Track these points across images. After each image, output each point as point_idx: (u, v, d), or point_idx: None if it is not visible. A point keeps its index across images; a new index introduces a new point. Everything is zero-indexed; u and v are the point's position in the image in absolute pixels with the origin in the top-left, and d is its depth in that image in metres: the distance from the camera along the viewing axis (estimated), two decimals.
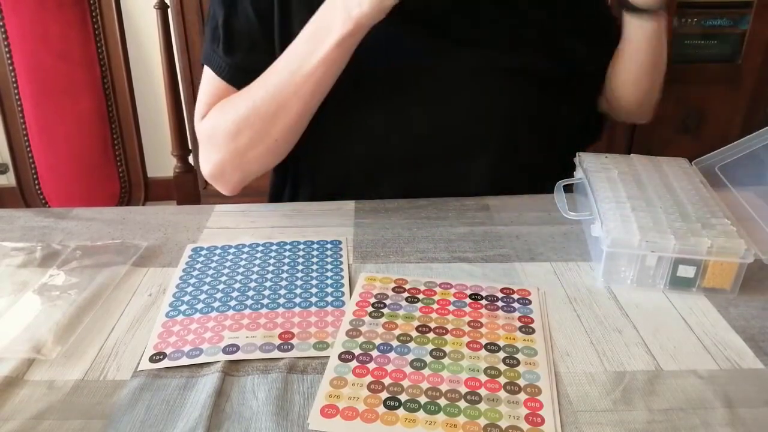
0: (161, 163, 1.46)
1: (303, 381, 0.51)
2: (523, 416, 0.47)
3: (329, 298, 0.62)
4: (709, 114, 1.76)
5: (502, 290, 0.63)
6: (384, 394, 0.49)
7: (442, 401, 0.49)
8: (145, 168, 1.24)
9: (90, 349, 0.55)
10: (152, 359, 0.54)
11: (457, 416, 0.47)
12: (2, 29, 1.08)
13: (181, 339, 0.56)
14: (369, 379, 0.51)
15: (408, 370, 0.52)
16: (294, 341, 0.56)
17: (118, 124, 1.18)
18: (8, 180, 2.03)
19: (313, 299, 0.61)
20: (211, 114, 0.79)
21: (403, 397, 0.49)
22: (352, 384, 0.50)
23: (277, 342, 0.55)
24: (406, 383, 0.51)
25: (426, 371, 0.52)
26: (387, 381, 0.51)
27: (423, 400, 0.49)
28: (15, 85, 1.12)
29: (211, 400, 0.49)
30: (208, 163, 0.80)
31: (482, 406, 0.48)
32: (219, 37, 0.78)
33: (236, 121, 0.75)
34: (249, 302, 0.61)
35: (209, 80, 0.80)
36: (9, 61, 1.10)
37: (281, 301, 0.61)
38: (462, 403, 0.49)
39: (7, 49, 1.09)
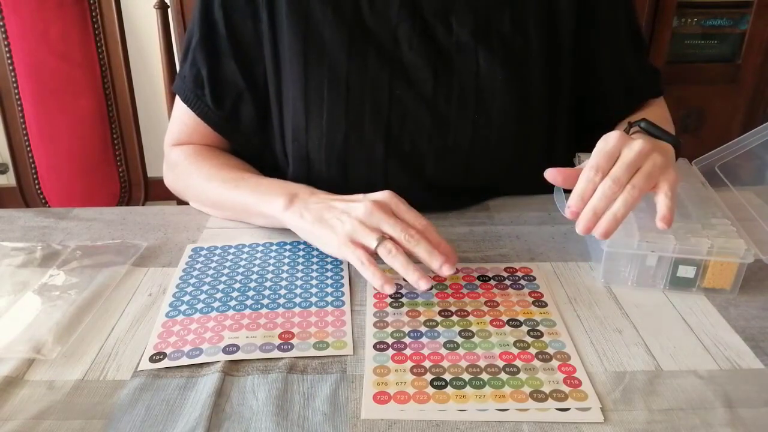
0: (161, 163, 1.46)
1: (303, 381, 0.51)
2: (561, 380, 0.51)
3: (329, 298, 0.62)
4: (709, 114, 1.76)
5: (505, 270, 0.66)
6: (428, 376, 0.51)
7: (485, 376, 0.51)
8: (145, 168, 1.24)
9: (90, 349, 0.55)
10: (152, 359, 0.54)
11: (503, 387, 0.50)
12: (2, 29, 1.08)
13: (181, 339, 0.56)
14: (410, 364, 0.53)
15: (443, 351, 0.54)
16: (294, 341, 0.56)
17: (118, 124, 1.18)
18: (8, 180, 2.03)
19: (313, 299, 0.61)
20: (180, 155, 0.83)
21: (447, 377, 0.51)
22: (395, 370, 0.52)
23: (277, 342, 0.55)
24: (446, 364, 0.53)
25: (461, 351, 0.54)
26: (427, 364, 0.53)
27: (467, 377, 0.51)
28: (15, 85, 1.12)
29: (211, 400, 0.49)
30: (166, 178, 0.87)
31: (522, 375, 0.51)
32: (203, 85, 0.79)
33: (193, 186, 0.80)
34: (249, 302, 0.61)
35: (187, 115, 0.82)
36: (9, 61, 1.10)
37: (281, 301, 0.61)
38: (503, 375, 0.51)
39: (7, 49, 1.09)
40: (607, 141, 0.59)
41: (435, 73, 0.76)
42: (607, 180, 0.57)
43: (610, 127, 0.85)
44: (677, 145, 0.70)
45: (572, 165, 0.80)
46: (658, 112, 0.87)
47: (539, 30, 0.77)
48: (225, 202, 0.76)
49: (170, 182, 0.85)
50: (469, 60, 0.76)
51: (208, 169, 0.79)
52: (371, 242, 0.60)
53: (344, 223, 0.61)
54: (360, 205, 0.62)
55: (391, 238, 0.60)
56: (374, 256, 0.60)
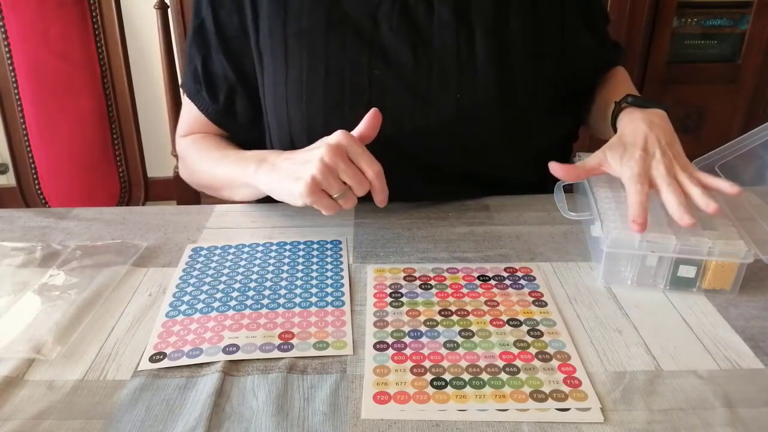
0: (161, 163, 1.46)
1: (303, 381, 0.51)
2: (561, 380, 0.51)
3: (329, 298, 0.62)
4: (709, 114, 1.76)
5: (505, 269, 0.66)
6: (428, 376, 0.51)
7: (485, 376, 0.51)
8: (145, 168, 1.24)
9: (90, 349, 0.55)
10: (152, 359, 0.54)
11: (503, 387, 0.50)
12: (2, 29, 1.08)
13: (181, 339, 0.56)
14: (410, 364, 0.53)
15: (443, 351, 0.54)
16: (294, 341, 0.56)
17: (118, 124, 1.18)
18: (8, 180, 2.03)
19: (313, 299, 0.61)
20: (186, 144, 0.87)
21: (447, 377, 0.51)
22: (395, 371, 0.52)
23: (277, 342, 0.55)
24: (445, 364, 0.53)
25: (461, 351, 0.54)
26: (427, 364, 0.53)
27: (466, 377, 0.51)
28: (15, 85, 1.12)
29: (211, 400, 0.49)
30: (180, 170, 0.92)
31: (522, 375, 0.51)
32: (200, 80, 0.83)
33: (195, 170, 0.85)
34: (249, 302, 0.61)
35: (191, 107, 0.86)
36: (9, 61, 1.10)
37: (281, 301, 0.61)
38: (503, 376, 0.51)
39: (7, 49, 1.09)
40: (631, 167, 0.64)
41: (415, 53, 0.76)
42: (665, 188, 0.62)
43: (582, 100, 0.90)
44: (665, 109, 0.73)
45: (565, 152, 0.81)
46: (626, 82, 0.90)
47: (521, 7, 0.78)
48: (215, 181, 0.81)
49: (181, 173, 0.91)
50: (450, 39, 0.76)
51: (201, 152, 0.83)
52: (334, 193, 0.64)
53: (308, 171, 0.63)
54: (318, 152, 0.64)
55: (349, 186, 0.64)
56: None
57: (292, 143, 0.80)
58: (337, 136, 0.65)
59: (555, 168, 0.66)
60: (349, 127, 0.69)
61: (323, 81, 0.76)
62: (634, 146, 0.66)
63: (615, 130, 0.74)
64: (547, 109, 0.84)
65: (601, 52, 0.89)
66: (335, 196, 0.64)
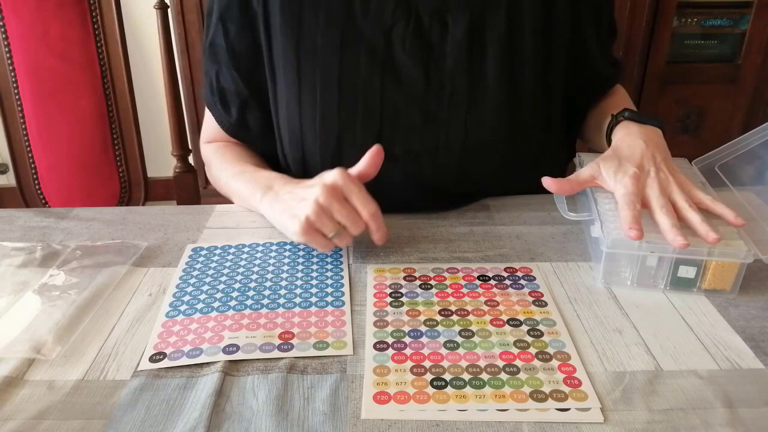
0: (161, 163, 1.46)
1: (303, 381, 0.51)
2: (561, 380, 0.51)
3: (329, 298, 0.62)
4: (709, 114, 1.76)
5: (505, 269, 0.66)
6: (428, 376, 0.51)
7: (485, 376, 0.51)
8: (145, 168, 1.24)
9: (90, 349, 0.55)
10: (152, 359, 0.54)
11: (503, 387, 0.50)
12: (2, 29, 1.08)
13: (181, 339, 0.56)
14: (410, 363, 0.53)
15: (443, 351, 0.54)
16: (294, 341, 0.56)
17: (118, 124, 1.18)
18: (8, 180, 2.03)
19: (313, 299, 0.62)
20: (210, 151, 0.89)
21: (447, 377, 0.51)
22: (395, 370, 0.52)
23: (277, 342, 0.56)
24: (445, 363, 0.53)
25: (461, 350, 0.54)
26: (427, 363, 0.53)
27: (466, 377, 0.51)
28: (15, 85, 1.12)
29: (211, 400, 0.49)
30: (207, 173, 0.92)
31: (522, 375, 0.51)
32: (215, 92, 0.84)
33: (216, 178, 0.87)
34: (249, 302, 0.61)
35: (213, 118, 0.87)
36: (9, 61, 1.10)
37: (281, 301, 0.61)
38: (503, 375, 0.51)
39: (7, 49, 1.09)
40: (625, 184, 0.64)
41: (426, 73, 0.76)
42: (658, 210, 0.62)
43: (580, 115, 0.90)
44: (662, 126, 0.74)
45: (564, 169, 0.81)
46: (625, 98, 0.90)
47: (535, 28, 0.77)
48: (232, 196, 0.82)
49: (209, 177, 0.92)
50: (462, 59, 0.76)
51: (223, 163, 0.84)
52: (328, 232, 0.64)
53: (303, 210, 0.64)
54: (314, 191, 0.64)
55: (344, 225, 0.64)
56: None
57: (305, 158, 0.80)
58: (334, 175, 0.65)
59: (548, 183, 0.67)
60: (362, 147, 0.69)
61: (337, 100, 0.76)
62: (629, 161, 0.66)
63: (609, 142, 0.74)
64: (551, 123, 0.84)
65: (602, 67, 0.88)
66: (330, 235, 0.64)
